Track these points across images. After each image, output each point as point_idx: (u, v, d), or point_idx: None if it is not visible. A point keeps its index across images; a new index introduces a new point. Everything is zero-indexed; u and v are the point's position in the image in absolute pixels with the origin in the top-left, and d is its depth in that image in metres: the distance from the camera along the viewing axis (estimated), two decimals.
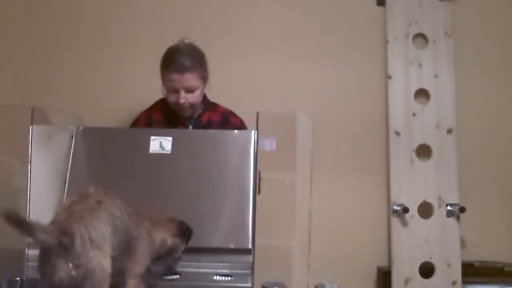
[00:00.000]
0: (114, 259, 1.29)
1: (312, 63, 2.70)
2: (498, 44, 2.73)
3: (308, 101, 2.68)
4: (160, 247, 1.51)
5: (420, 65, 2.66)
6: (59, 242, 1.19)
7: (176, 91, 2.06)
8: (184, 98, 2.06)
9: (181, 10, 2.71)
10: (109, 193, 1.37)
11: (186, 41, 2.12)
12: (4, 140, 1.65)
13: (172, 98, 2.08)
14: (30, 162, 1.55)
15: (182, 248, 1.58)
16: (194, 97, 2.09)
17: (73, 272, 1.19)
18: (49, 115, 1.78)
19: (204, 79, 2.12)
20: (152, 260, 1.48)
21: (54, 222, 1.25)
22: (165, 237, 1.52)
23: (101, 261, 1.23)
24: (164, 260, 1.57)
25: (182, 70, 2.02)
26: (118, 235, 1.33)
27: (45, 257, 1.22)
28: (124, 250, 1.37)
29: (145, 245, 1.45)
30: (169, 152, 1.80)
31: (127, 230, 1.38)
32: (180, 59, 2.04)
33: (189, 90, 2.06)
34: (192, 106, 2.11)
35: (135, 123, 2.24)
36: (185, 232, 1.58)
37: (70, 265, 1.19)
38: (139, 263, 1.43)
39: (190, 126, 2.17)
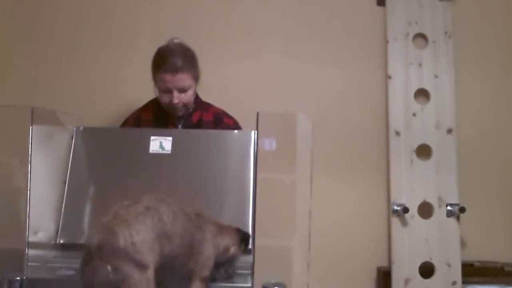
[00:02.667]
0: (178, 262, 1.29)
1: (312, 63, 2.70)
2: (498, 44, 2.73)
3: (308, 101, 2.68)
4: (222, 254, 1.50)
5: (420, 65, 2.66)
6: (101, 243, 1.19)
7: (169, 92, 2.06)
8: (178, 98, 2.06)
9: (181, 10, 2.71)
10: (164, 199, 1.37)
11: (176, 40, 2.12)
12: (4, 140, 1.65)
13: (165, 99, 2.08)
14: (30, 162, 1.55)
15: (241, 257, 1.55)
16: (187, 97, 2.09)
17: (111, 275, 1.17)
18: (49, 115, 1.78)
19: (196, 78, 2.12)
20: (213, 265, 1.46)
21: (99, 224, 1.25)
22: (229, 245, 1.51)
23: (140, 266, 1.21)
24: (225, 269, 1.54)
25: (174, 70, 2.02)
26: (172, 240, 1.31)
27: (87, 258, 1.21)
28: (187, 253, 1.37)
29: (210, 248, 1.45)
30: (169, 152, 1.80)
31: (185, 234, 1.37)
32: (172, 59, 2.03)
33: (182, 90, 2.06)
34: (185, 105, 2.11)
35: (124, 123, 2.24)
36: (244, 239, 1.55)
37: (109, 267, 1.18)
38: (205, 266, 1.43)
39: (180, 126, 2.16)
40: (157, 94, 2.10)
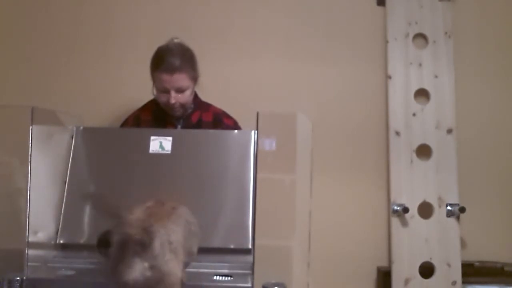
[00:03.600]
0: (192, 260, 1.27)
1: (312, 63, 2.70)
2: (498, 44, 2.73)
3: (308, 101, 2.68)
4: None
5: (420, 65, 2.66)
6: (138, 239, 1.16)
7: (166, 91, 2.06)
8: (175, 98, 2.06)
9: (181, 10, 2.71)
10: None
11: (176, 40, 2.11)
12: (4, 140, 1.65)
13: (162, 98, 2.08)
14: (30, 162, 1.55)
15: None
16: (185, 97, 2.09)
17: (148, 273, 1.15)
18: (49, 115, 1.78)
19: (195, 78, 2.12)
20: None
21: (131, 221, 1.21)
22: None
23: (176, 266, 1.20)
24: None
25: (172, 70, 2.02)
26: (194, 240, 1.32)
27: (119, 255, 1.17)
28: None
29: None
30: (169, 152, 1.79)
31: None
32: (170, 59, 2.03)
33: (180, 90, 2.06)
34: (182, 106, 2.11)
35: (124, 124, 2.24)
36: None
37: (146, 264, 1.16)
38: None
39: (179, 126, 2.16)
40: (155, 94, 2.10)
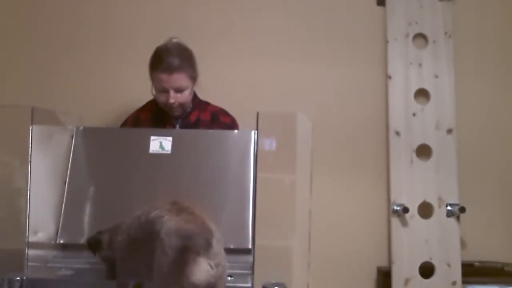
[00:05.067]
0: None
1: (312, 63, 2.70)
2: (498, 44, 2.73)
3: (308, 101, 2.68)
4: None
5: (420, 65, 2.66)
6: (204, 239, 1.18)
7: (165, 91, 2.05)
8: (174, 98, 2.05)
9: (181, 11, 2.71)
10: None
11: (174, 40, 2.11)
12: (4, 140, 1.65)
13: (161, 98, 2.08)
14: (30, 162, 1.55)
15: None
16: (184, 97, 2.09)
17: (212, 272, 1.17)
18: (49, 115, 1.78)
19: (194, 78, 2.12)
20: None
21: (184, 220, 1.24)
22: None
23: (226, 262, 1.24)
24: None
25: (171, 70, 2.02)
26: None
27: (189, 256, 1.18)
28: None
29: None
30: (169, 152, 1.80)
31: None
32: (168, 58, 2.03)
33: (179, 90, 2.06)
34: (182, 105, 2.11)
35: (124, 124, 2.24)
36: None
37: (212, 263, 1.18)
38: None
39: (178, 126, 2.16)
40: (154, 93, 2.10)
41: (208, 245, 1.20)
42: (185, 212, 1.30)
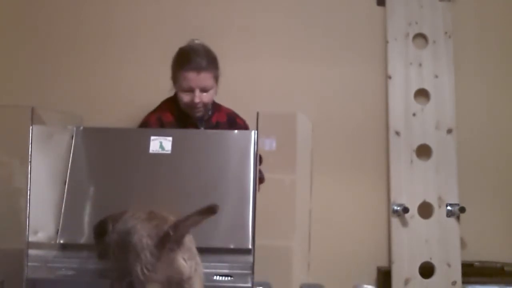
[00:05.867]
0: None
1: (312, 63, 2.70)
2: (498, 44, 2.73)
3: (308, 101, 2.68)
4: None
5: (420, 65, 2.66)
6: (172, 238, 1.25)
7: (191, 91, 2.06)
8: (199, 97, 2.06)
9: (181, 11, 2.71)
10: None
11: (197, 41, 2.14)
12: (4, 140, 1.65)
13: (186, 98, 2.08)
14: (30, 162, 1.55)
15: None
16: (208, 97, 2.10)
17: (187, 265, 1.26)
18: (49, 115, 1.78)
19: (217, 79, 2.13)
20: None
21: (147, 222, 1.32)
22: None
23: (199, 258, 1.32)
24: None
25: (199, 69, 2.04)
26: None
27: (154, 254, 1.25)
28: None
29: None
30: (169, 152, 1.79)
31: None
32: (196, 58, 2.05)
33: (204, 90, 2.07)
34: (205, 105, 2.11)
35: (145, 125, 2.19)
36: None
37: (185, 256, 1.27)
38: None
39: (202, 128, 2.16)
40: (178, 93, 2.10)
41: (179, 242, 1.26)
42: (157, 219, 1.36)
